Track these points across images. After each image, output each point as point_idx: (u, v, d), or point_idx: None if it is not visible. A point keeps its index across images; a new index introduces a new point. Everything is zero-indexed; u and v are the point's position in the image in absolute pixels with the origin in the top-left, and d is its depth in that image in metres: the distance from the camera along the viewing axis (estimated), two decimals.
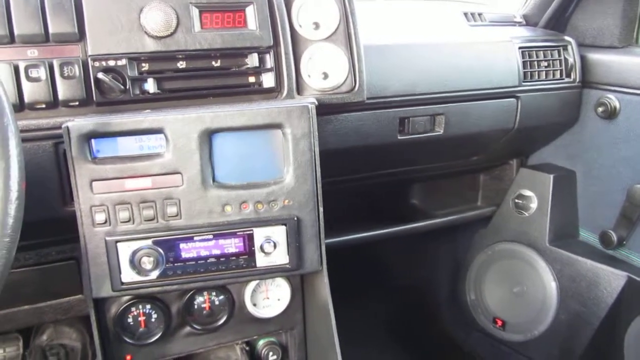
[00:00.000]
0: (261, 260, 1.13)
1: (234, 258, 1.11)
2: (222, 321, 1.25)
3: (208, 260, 1.10)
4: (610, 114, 1.63)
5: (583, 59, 1.67)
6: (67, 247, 1.27)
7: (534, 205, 1.78)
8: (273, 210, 1.12)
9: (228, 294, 1.24)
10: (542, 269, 1.74)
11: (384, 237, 1.77)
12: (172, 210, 1.07)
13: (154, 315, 1.20)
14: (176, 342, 1.24)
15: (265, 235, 1.12)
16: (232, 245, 1.11)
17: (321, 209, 1.16)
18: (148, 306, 1.19)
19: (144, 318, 1.20)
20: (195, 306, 1.23)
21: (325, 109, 1.26)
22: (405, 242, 2.18)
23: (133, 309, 1.19)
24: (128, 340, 1.19)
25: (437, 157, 1.71)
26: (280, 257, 1.13)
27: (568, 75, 1.66)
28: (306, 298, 1.32)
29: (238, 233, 1.11)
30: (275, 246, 1.12)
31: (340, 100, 1.26)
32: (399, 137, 1.50)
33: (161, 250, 1.08)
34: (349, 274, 2.22)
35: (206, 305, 1.24)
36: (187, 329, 1.24)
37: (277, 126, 1.11)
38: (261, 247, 1.12)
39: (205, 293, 1.23)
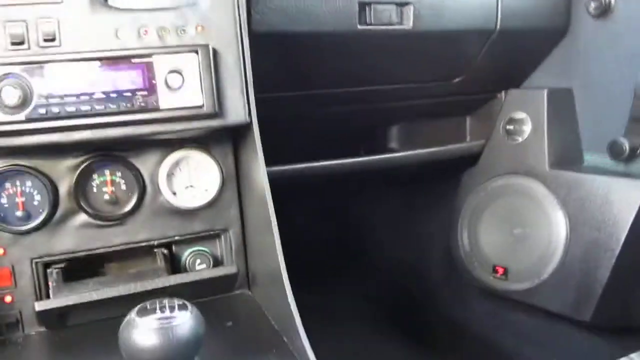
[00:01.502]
0: (167, 100, 0.87)
1: (128, 94, 0.85)
2: (128, 209, 0.97)
3: (94, 97, 0.84)
4: (604, 10, 1.41)
5: None
6: None
7: (527, 127, 1.52)
8: (182, 39, 0.88)
9: (135, 172, 0.97)
10: (545, 197, 1.45)
11: (350, 169, 1.49)
12: (48, 29, 0.83)
13: (37, 196, 0.93)
14: (67, 236, 0.95)
15: (172, 66, 0.87)
16: (126, 79, 0.85)
17: (247, 43, 0.91)
18: (28, 183, 0.92)
19: (23, 199, 0.92)
20: (94, 187, 0.96)
21: None
22: (386, 200, 1.91)
23: (8, 184, 0.91)
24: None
25: (410, 67, 1.47)
26: (192, 96, 0.88)
27: None
28: (243, 194, 1.04)
29: (134, 61, 0.85)
30: (183, 81, 0.87)
31: None
32: (359, 27, 1.27)
33: (31, 81, 0.82)
34: (323, 248, 1.94)
35: (108, 189, 0.96)
36: (82, 217, 0.95)
37: None
38: (166, 81, 0.86)
39: (107, 171, 0.96)
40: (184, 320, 0.67)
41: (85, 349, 0.88)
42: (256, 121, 0.93)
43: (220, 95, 0.89)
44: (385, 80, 1.47)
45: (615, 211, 1.32)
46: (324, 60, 1.32)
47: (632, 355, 0.91)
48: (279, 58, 1.24)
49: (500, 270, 1.54)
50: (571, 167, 1.45)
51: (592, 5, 1.43)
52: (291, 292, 0.87)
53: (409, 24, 1.31)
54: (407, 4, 1.31)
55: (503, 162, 1.57)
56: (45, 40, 0.83)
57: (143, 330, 0.66)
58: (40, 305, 0.88)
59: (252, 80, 0.91)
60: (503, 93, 1.66)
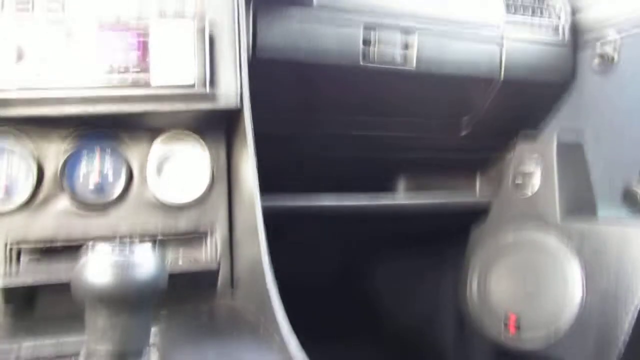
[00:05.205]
0: (158, 77, 0.87)
1: (121, 69, 0.86)
2: (113, 197, 0.94)
3: (87, 69, 0.85)
4: (608, 66, 1.42)
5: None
6: None
7: (537, 180, 1.47)
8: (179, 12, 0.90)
9: (124, 160, 0.95)
10: (558, 248, 1.37)
11: (353, 212, 1.44)
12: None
13: (21, 177, 0.90)
14: (46, 221, 0.91)
15: (167, 41, 0.87)
16: (120, 52, 0.86)
17: (243, 28, 0.92)
18: (14, 163, 0.90)
19: (6, 180, 0.90)
20: (81, 173, 0.93)
21: None
22: (395, 260, 1.82)
23: None
24: None
25: (416, 108, 1.46)
26: (184, 74, 0.88)
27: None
28: (232, 193, 1.00)
29: (130, 32, 0.86)
30: (177, 57, 0.87)
31: None
32: (362, 63, 1.30)
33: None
34: (332, 309, 1.83)
35: (95, 175, 0.94)
36: (64, 203, 0.92)
37: None
38: (159, 57, 0.87)
39: (95, 157, 0.94)
40: (142, 257, 0.61)
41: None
42: (249, 109, 0.91)
43: (212, 76, 0.89)
44: (390, 116, 1.46)
45: (632, 262, 1.23)
46: (327, 92, 1.34)
47: None
48: (282, 84, 1.25)
49: (513, 328, 1.42)
50: (584, 218, 1.38)
51: (596, 61, 1.45)
52: (272, 282, 0.81)
53: (412, 65, 1.34)
54: (411, 46, 1.34)
55: (513, 215, 1.51)
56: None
57: (95, 266, 0.61)
58: (5, 282, 0.82)
59: (246, 66, 0.92)
60: (512, 145, 1.64)
